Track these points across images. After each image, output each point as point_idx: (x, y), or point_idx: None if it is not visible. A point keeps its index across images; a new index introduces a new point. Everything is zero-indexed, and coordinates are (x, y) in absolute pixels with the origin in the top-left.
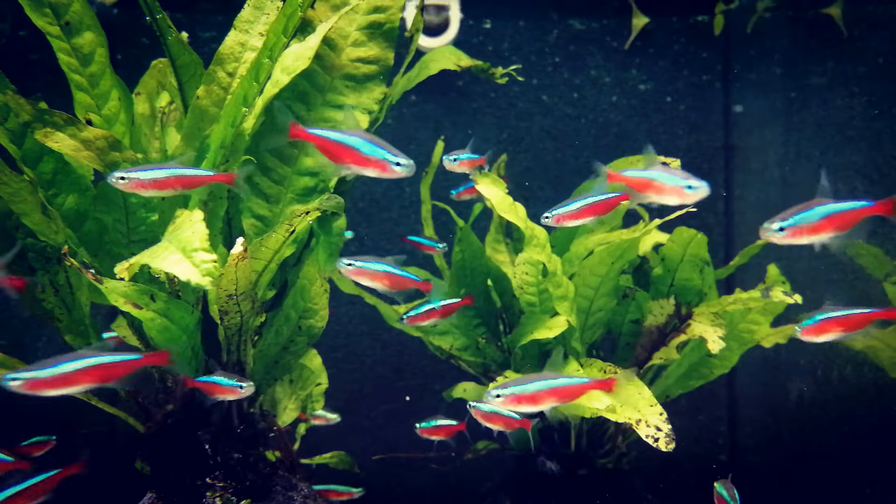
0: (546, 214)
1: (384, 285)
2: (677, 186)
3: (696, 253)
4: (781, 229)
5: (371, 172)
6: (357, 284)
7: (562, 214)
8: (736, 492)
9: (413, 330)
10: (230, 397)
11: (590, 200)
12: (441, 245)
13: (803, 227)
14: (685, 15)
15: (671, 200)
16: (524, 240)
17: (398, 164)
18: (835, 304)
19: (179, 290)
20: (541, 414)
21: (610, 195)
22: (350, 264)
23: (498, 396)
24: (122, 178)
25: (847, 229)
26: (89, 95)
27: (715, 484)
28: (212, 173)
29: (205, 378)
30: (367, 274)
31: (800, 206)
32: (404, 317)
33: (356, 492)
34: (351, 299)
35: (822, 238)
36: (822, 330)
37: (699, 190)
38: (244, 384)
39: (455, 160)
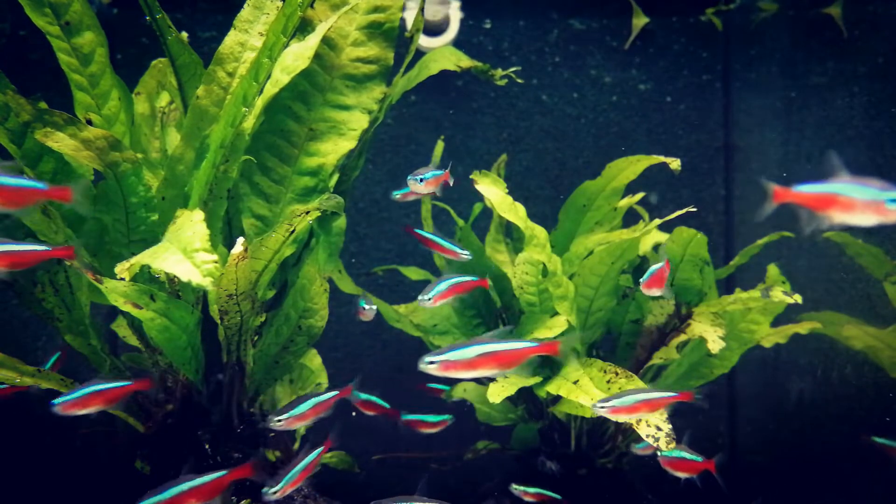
0: (421, 297)
1: (5, 266)
2: (874, 201)
3: (696, 253)
4: (603, 407)
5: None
6: None
7: (435, 296)
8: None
9: (413, 330)
10: None
11: (454, 281)
12: (465, 253)
13: (624, 408)
14: (685, 15)
15: (864, 220)
16: (524, 239)
17: (892, 199)
18: None
19: (179, 290)
20: (541, 413)
21: (468, 279)
22: None
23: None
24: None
25: (653, 412)
26: (89, 95)
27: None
28: None
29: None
30: None
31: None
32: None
33: (448, 419)
34: (351, 299)
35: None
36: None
37: None
38: None
39: (421, 180)
